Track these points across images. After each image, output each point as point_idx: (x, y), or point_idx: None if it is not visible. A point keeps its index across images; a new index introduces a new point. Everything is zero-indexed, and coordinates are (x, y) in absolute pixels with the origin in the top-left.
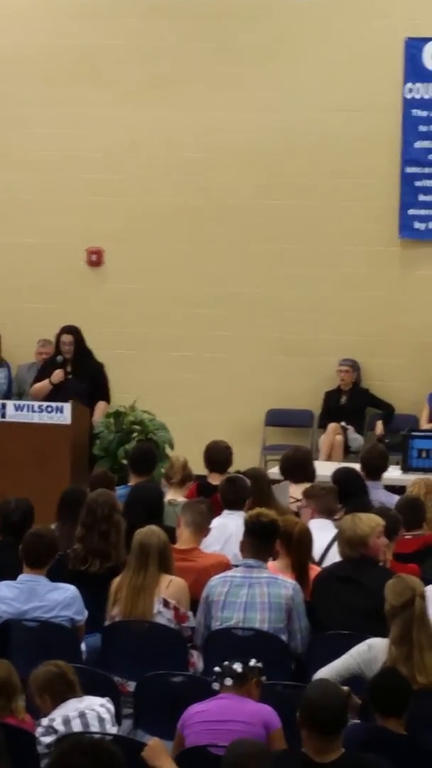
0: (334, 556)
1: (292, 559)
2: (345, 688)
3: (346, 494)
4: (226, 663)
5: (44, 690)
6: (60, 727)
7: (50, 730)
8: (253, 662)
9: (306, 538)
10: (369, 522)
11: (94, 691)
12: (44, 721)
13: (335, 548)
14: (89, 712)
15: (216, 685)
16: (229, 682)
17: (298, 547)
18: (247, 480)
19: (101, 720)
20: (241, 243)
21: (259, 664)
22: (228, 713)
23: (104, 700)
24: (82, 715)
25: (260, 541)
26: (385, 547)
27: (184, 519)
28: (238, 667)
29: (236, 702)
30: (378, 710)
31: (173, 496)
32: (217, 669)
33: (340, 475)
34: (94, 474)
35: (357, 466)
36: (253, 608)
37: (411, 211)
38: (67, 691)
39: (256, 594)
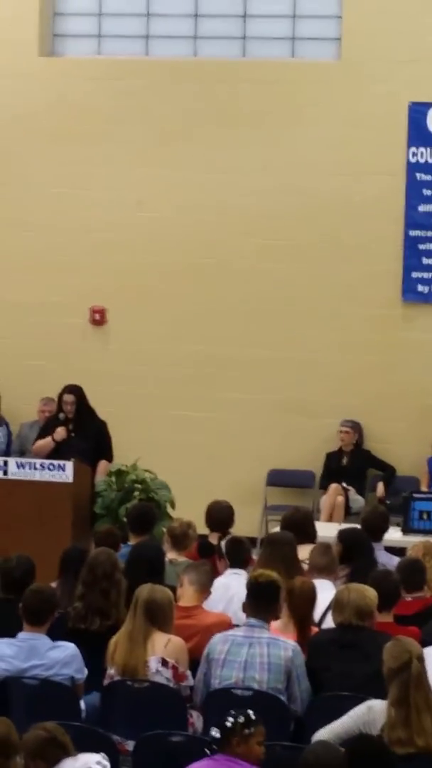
0: None
1: (293, 615)
2: (343, 750)
3: (353, 554)
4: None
5: (36, 756)
6: None
7: None
8: (242, 717)
9: (307, 595)
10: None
11: (92, 751)
12: None
13: None
14: None
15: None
16: (215, 732)
17: (299, 603)
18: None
19: None
20: (243, 304)
21: (247, 714)
22: None
23: (99, 757)
24: None
25: (260, 600)
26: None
27: (189, 578)
28: (227, 721)
29: (229, 763)
30: None
31: (174, 555)
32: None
33: (347, 535)
34: (100, 530)
35: (358, 527)
36: (252, 668)
37: (414, 274)
38: (61, 754)
39: (255, 654)
